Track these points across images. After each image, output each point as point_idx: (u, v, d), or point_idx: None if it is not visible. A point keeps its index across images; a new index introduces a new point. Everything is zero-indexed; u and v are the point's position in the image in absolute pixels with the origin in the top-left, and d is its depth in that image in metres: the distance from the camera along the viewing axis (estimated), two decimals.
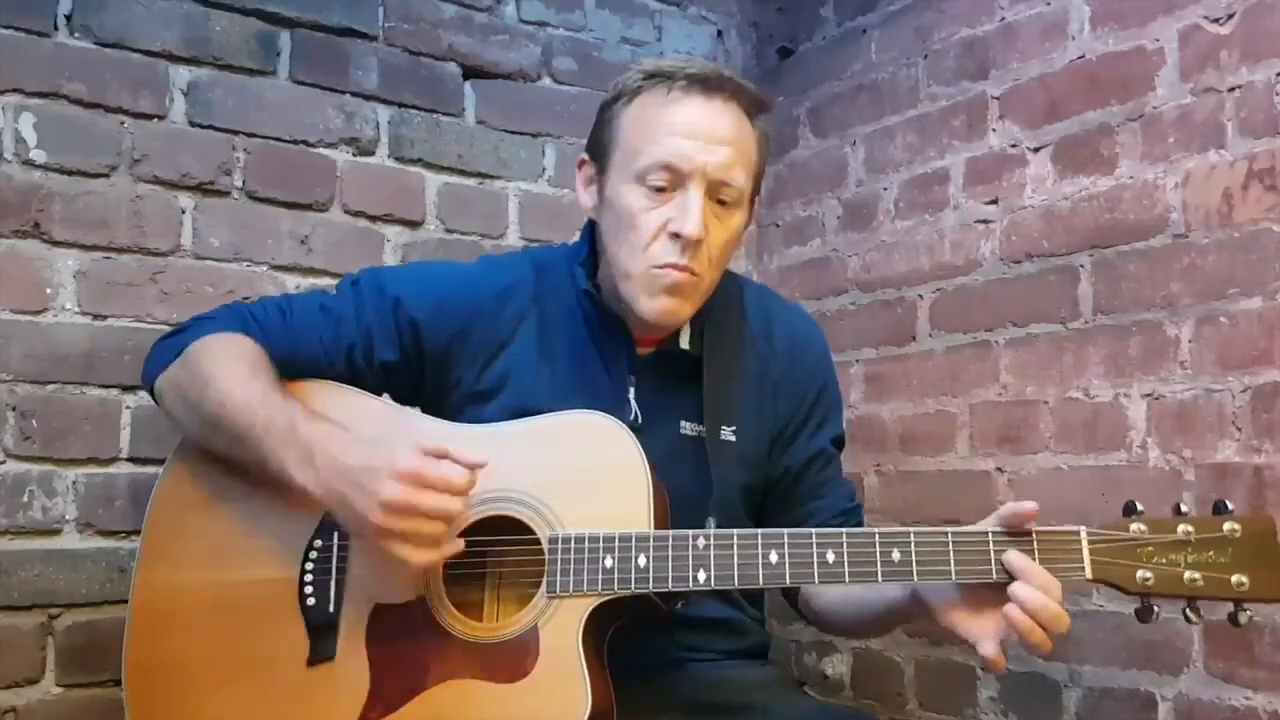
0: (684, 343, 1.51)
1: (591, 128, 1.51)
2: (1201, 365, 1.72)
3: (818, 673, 2.32)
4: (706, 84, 1.41)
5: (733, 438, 1.50)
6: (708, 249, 1.40)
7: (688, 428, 1.50)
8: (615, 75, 2.18)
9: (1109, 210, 1.86)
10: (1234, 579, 1.20)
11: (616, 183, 1.43)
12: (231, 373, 1.40)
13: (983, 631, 1.26)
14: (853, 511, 1.58)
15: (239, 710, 1.37)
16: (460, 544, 1.31)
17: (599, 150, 1.47)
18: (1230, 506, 1.24)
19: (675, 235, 1.38)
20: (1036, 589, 1.21)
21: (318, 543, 1.40)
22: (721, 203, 1.41)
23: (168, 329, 1.79)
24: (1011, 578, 1.23)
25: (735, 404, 1.52)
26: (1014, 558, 1.23)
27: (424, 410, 1.53)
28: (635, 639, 1.38)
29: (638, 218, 1.40)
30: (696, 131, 1.39)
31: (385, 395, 1.53)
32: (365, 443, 1.31)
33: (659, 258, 1.39)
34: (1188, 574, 1.21)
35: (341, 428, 1.34)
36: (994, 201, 2.05)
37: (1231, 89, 1.70)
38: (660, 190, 1.39)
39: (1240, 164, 1.69)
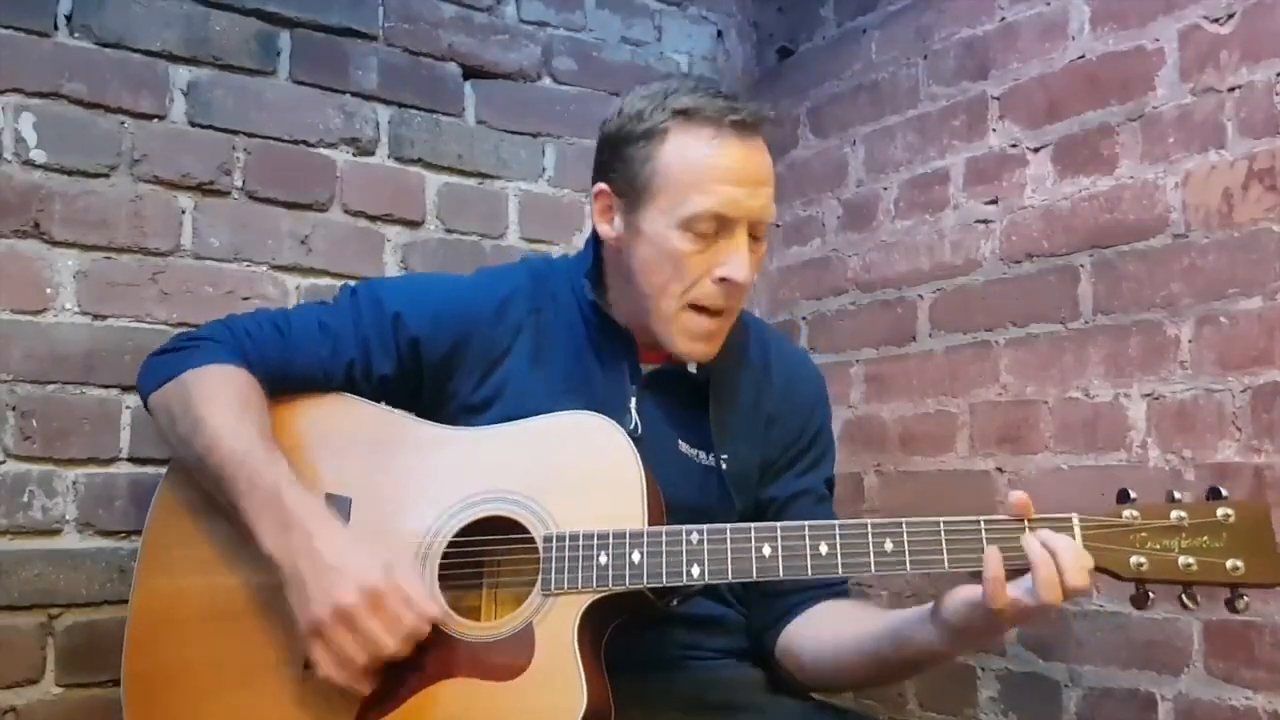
0: (691, 365, 1.51)
1: (605, 153, 1.48)
2: (1201, 365, 1.72)
3: None
4: (745, 126, 1.40)
5: (725, 465, 1.51)
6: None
7: (685, 448, 1.51)
8: (615, 75, 2.18)
9: (1109, 210, 1.86)
10: (1229, 563, 1.20)
11: (656, 224, 1.41)
12: (222, 416, 1.39)
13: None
14: None
15: (236, 714, 1.37)
16: (366, 689, 1.30)
17: (627, 186, 1.44)
18: (1224, 492, 1.24)
19: (723, 280, 1.39)
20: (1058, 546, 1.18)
21: None
22: (755, 238, 1.43)
23: (168, 329, 1.82)
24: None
25: (733, 430, 1.53)
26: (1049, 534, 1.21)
27: (420, 417, 1.53)
28: (633, 638, 1.38)
29: (683, 262, 1.40)
30: (743, 179, 1.39)
31: (382, 403, 1.54)
32: (348, 545, 1.31)
33: (699, 299, 1.41)
34: (1182, 559, 1.21)
35: (323, 510, 1.34)
36: (994, 201, 2.05)
37: (1231, 89, 1.70)
38: (704, 235, 1.39)
39: (1240, 164, 1.68)
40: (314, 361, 1.49)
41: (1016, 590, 1.20)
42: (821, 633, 1.47)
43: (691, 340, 1.44)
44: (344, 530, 1.34)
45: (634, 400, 1.49)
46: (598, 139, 1.51)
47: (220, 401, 1.41)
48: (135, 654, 1.43)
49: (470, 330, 1.51)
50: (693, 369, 1.51)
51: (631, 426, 1.46)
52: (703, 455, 1.51)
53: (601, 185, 1.48)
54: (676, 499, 1.40)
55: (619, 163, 1.45)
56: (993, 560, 1.20)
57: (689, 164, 1.40)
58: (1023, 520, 1.24)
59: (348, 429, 1.46)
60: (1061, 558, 1.18)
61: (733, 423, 1.53)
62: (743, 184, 1.39)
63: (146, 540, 1.47)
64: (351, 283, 1.63)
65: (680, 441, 1.51)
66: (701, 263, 1.40)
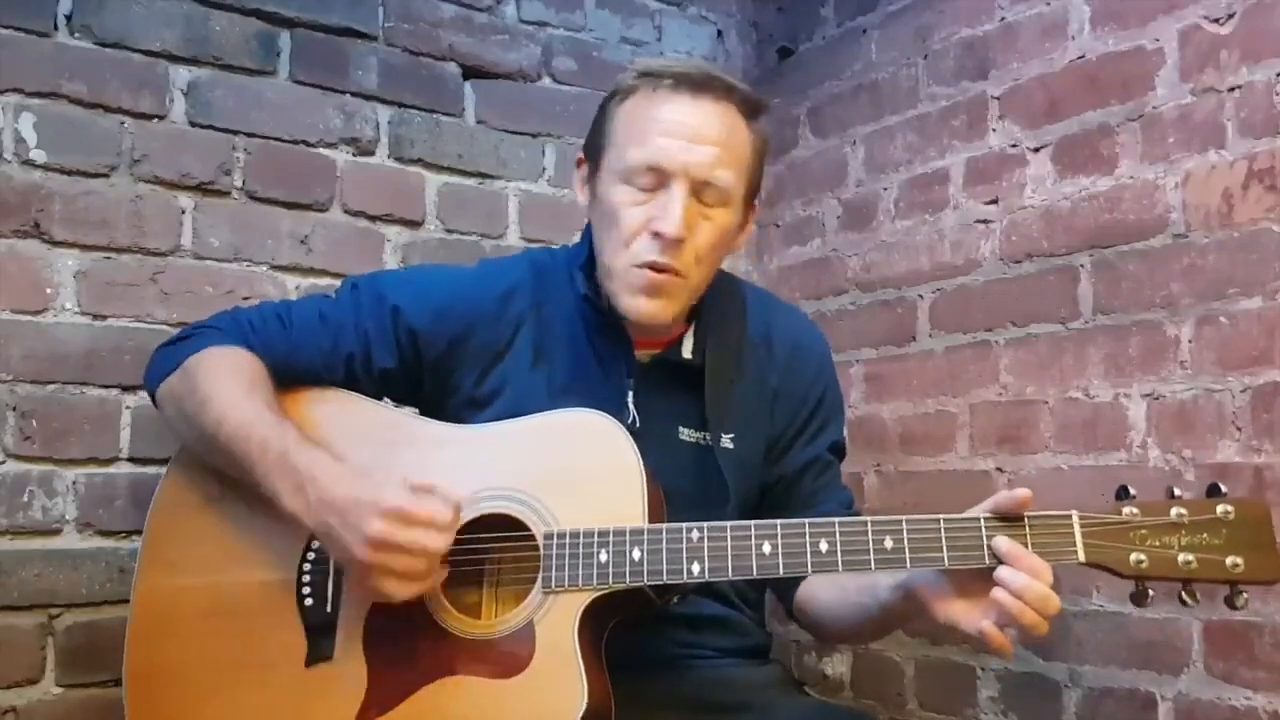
0: (686, 353, 1.52)
1: (590, 126, 1.51)
2: (1201, 365, 1.72)
3: (818, 673, 2.32)
4: (694, 83, 1.41)
5: (731, 445, 1.51)
6: (693, 248, 1.41)
7: (686, 434, 1.51)
8: (615, 75, 2.18)
9: (1109, 210, 1.86)
10: (1229, 560, 1.20)
11: (605, 180, 1.44)
12: (228, 391, 1.40)
13: (978, 618, 1.25)
14: None
15: (237, 712, 1.37)
16: (443, 574, 1.32)
17: (593, 149, 1.48)
18: (1224, 489, 1.24)
19: (656, 234, 1.39)
20: (1022, 571, 1.21)
21: (315, 544, 1.40)
22: (705, 202, 1.42)
23: (168, 329, 1.82)
24: (1002, 563, 1.23)
25: (735, 411, 1.52)
26: (1001, 542, 1.23)
27: (421, 412, 1.53)
28: (633, 637, 1.38)
29: (621, 215, 1.41)
30: (680, 131, 1.40)
31: (384, 399, 1.54)
32: (354, 476, 1.32)
33: (639, 255, 1.41)
34: (1182, 556, 1.21)
35: (334, 457, 1.35)
36: (994, 201, 2.05)
37: (1231, 89, 1.70)
38: (645, 189, 1.40)
39: (1240, 164, 1.69)
40: (315, 354, 1.49)
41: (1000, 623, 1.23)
42: (828, 591, 1.48)
43: (632, 295, 1.42)
44: (349, 469, 1.34)
45: (631, 394, 1.49)
46: None
47: (226, 378, 1.42)
48: (136, 651, 1.43)
49: (471, 325, 1.51)
50: (687, 354, 1.51)
51: (629, 420, 1.46)
52: (704, 440, 1.50)
53: (580, 154, 1.52)
54: (676, 486, 1.40)
55: (592, 130, 1.50)
56: (989, 633, 1.24)
57: (633, 118, 1.43)
58: (1023, 519, 1.25)
59: (350, 427, 1.46)
60: (1027, 597, 1.20)
61: (738, 403, 1.53)
62: (679, 137, 1.39)
63: (148, 538, 1.47)
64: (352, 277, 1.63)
65: (680, 429, 1.51)
66: (639, 215, 1.40)
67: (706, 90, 1.42)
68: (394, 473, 1.31)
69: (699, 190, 1.41)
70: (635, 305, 1.43)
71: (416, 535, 1.26)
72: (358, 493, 1.28)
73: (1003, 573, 1.21)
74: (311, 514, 1.30)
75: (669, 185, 1.39)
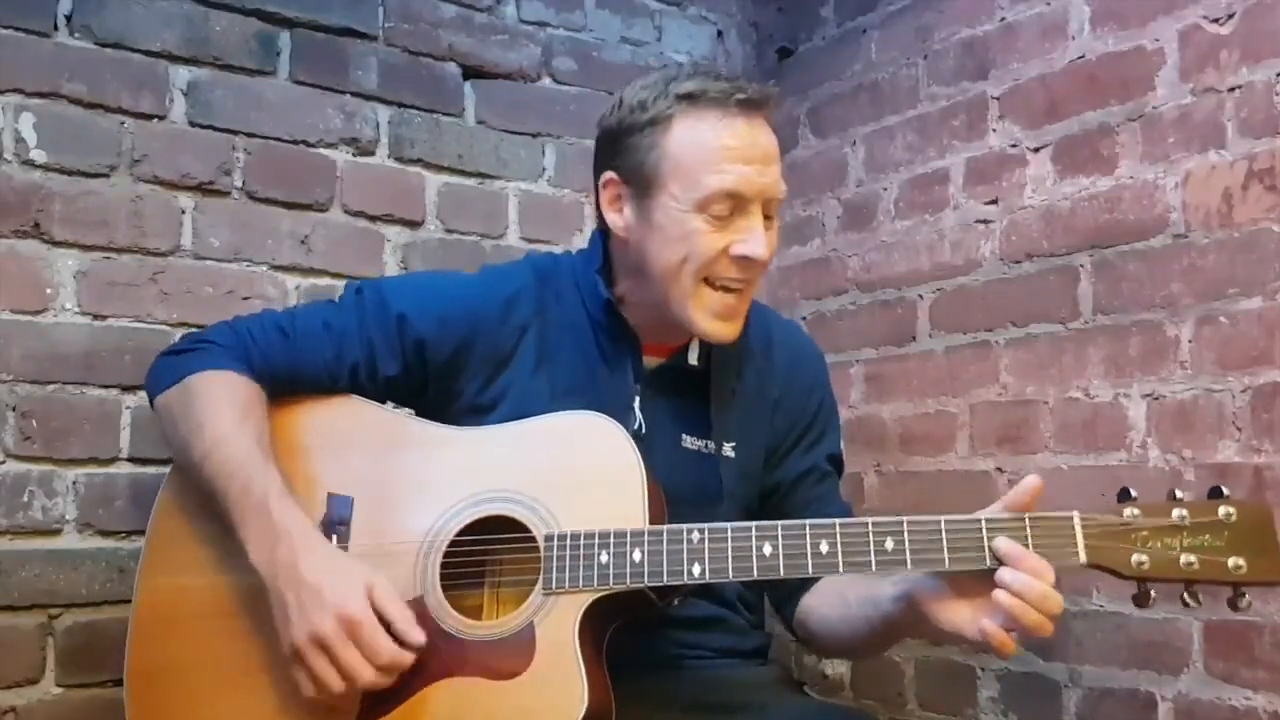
0: (692, 359, 1.52)
1: (606, 145, 1.48)
2: (1201, 365, 1.72)
3: (818, 673, 2.32)
4: (752, 104, 1.41)
5: (732, 454, 1.52)
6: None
7: (689, 441, 1.51)
8: (615, 75, 2.18)
9: (1109, 210, 1.86)
10: (1231, 562, 1.20)
11: (670, 209, 1.41)
12: (222, 423, 1.40)
13: (981, 620, 1.25)
14: None
15: (238, 712, 1.37)
16: (355, 700, 1.30)
17: (635, 175, 1.44)
18: (1226, 491, 1.24)
19: (744, 258, 1.40)
20: (1024, 572, 1.20)
21: None
22: (769, 217, 1.44)
23: (168, 329, 1.82)
24: (1002, 564, 1.23)
25: (736, 420, 1.53)
26: (1002, 543, 1.23)
27: (423, 416, 1.53)
28: (634, 638, 1.38)
29: (698, 241, 1.40)
30: (753, 155, 1.40)
31: (387, 403, 1.54)
32: (327, 560, 1.31)
33: (722, 277, 1.41)
34: (1184, 557, 1.21)
35: (313, 531, 1.34)
36: (994, 201, 2.05)
37: (1231, 89, 1.70)
38: (721, 215, 1.40)
39: (1240, 164, 1.69)
40: (319, 363, 1.49)
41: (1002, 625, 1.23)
42: (829, 605, 1.48)
43: (713, 318, 1.43)
44: (329, 550, 1.34)
45: (638, 400, 1.49)
46: (598, 133, 1.51)
47: (221, 409, 1.41)
48: (138, 651, 1.43)
49: (475, 331, 1.51)
50: (694, 361, 1.52)
51: (636, 425, 1.46)
52: (707, 447, 1.51)
53: (610, 174, 1.47)
54: (679, 493, 1.40)
55: (623, 154, 1.45)
56: (991, 632, 1.24)
57: (699, 147, 1.40)
58: (1023, 519, 1.25)
59: (350, 429, 1.46)
60: (1028, 597, 1.20)
61: (739, 412, 1.53)
62: (752, 162, 1.39)
63: (150, 538, 1.47)
64: (356, 280, 1.62)
65: (684, 436, 1.51)
66: (719, 242, 1.40)
67: (758, 108, 1.42)
68: (362, 575, 1.29)
69: (767, 208, 1.43)
70: (716, 329, 1.44)
71: (353, 659, 1.26)
72: (325, 584, 1.28)
73: (1004, 574, 1.21)
74: (273, 571, 1.30)
75: (747, 210, 1.40)
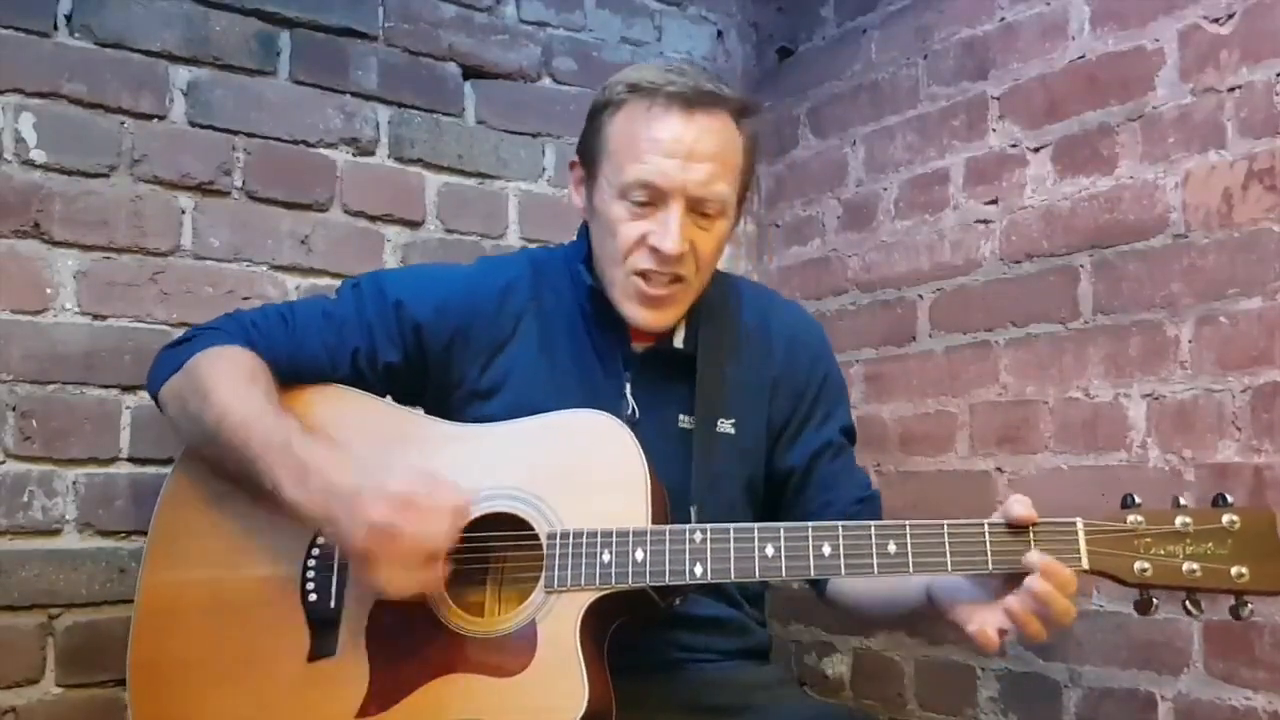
0: (678, 342, 1.54)
1: (583, 129, 1.52)
2: (1201, 365, 1.72)
3: (818, 673, 2.32)
4: (686, 100, 1.41)
5: (731, 430, 1.53)
6: (694, 258, 1.44)
7: (685, 421, 1.52)
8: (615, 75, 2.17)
9: (1109, 210, 1.86)
10: (1233, 570, 1.20)
11: (602, 191, 1.46)
12: (230, 387, 1.41)
13: (982, 620, 1.25)
14: (869, 500, 1.59)
15: (240, 706, 1.37)
16: (446, 571, 1.31)
17: (587, 156, 1.50)
18: (1229, 499, 1.24)
19: (654, 250, 1.42)
20: (1052, 584, 1.20)
21: (320, 540, 1.40)
22: (705, 214, 1.44)
23: (168, 329, 1.82)
24: (1009, 573, 1.23)
25: (733, 397, 1.54)
26: (1035, 556, 1.22)
27: (426, 410, 1.54)
28: (635, 639, 1.39)
29: (618, 229, 1.43)
30: (676, 150, 1.41)
31: (388, 396, 1.54)
32: (359, 464, 1.31)
33: (636, 264, 1.43)
34: (1186, 565, 1.21)
35: (337, 448, 1.35)
36: (994, 201, 2.05)
37: (1231, 89, 1.70)
38: (641, 205, 1.42)
39: (1240, 164, 1.69)
40: (320, 350, 1.50)
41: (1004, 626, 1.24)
42: (863, 580, 1.49)
43: (636, 305, 1.46)
44: (353, 458, 1.34)
45: (628, 385, 1.50)
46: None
47: (227, 376, 1.42)
48: (141, 644, 1.44)
49: (472, 317, 1.52)
50: (679, 344, 1.53)
51: (628, 411, 1.47)
52: (703, 425, 1.51)
53: (574, 158, 1.53)
54: (677, 474, 1.42)
55: (584, 137, 1.51)
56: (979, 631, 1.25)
57: (628, 135, 1.43)
58: (1026, 528, 1.25)
59: (354, 425, 1.46)
60: (1053, 608, 1.21)
61: (736, 390, 1.54)
62: (674, 156, 1.40)
63: (154, 533, 1.48)
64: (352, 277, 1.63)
65: (680, 416, 1.52)
66: (634, 230, 1.43)
67: (698, 105, 1.42)
68: (401, 459, 1.31)
69: (696, 205, 1.43)
70: (636, 314, 1.47)
71: (420, 522, 1.25)
72: (362, 479, 1.28)
73: (1035, 582, 1.21)
74: (314, 503, 1.30)
75: (666, 203, 1.41)
